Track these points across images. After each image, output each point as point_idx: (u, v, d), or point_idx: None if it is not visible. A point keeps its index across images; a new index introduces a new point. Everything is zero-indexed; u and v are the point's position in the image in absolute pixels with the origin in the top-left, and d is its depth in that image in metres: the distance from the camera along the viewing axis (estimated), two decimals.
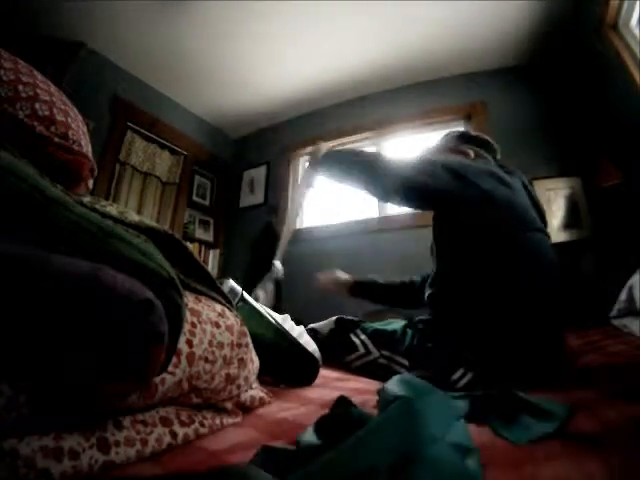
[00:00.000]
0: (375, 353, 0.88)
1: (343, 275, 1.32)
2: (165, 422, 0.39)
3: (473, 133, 1.06)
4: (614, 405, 0.49)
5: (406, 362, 0.83)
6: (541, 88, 2.10)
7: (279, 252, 1.23)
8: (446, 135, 1.09)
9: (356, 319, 1.02)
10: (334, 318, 1.02)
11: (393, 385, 0.44)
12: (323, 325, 1.01)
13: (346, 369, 0.92)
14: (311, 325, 1.04)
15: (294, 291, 2.32)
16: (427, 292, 0.91)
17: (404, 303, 1.24)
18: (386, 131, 2.51)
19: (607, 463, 0.34)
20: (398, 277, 1.27)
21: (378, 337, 0.91)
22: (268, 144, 2.98)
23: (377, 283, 1.27)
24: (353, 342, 0.92)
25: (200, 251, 2.76)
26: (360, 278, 1.29)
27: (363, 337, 0.92)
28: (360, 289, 1.28)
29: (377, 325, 0.98)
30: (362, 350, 0.90)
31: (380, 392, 0.45)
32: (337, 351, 0.94)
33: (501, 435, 0.43)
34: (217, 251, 2.88)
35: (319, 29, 2.06)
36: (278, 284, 1.87)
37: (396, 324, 0.97)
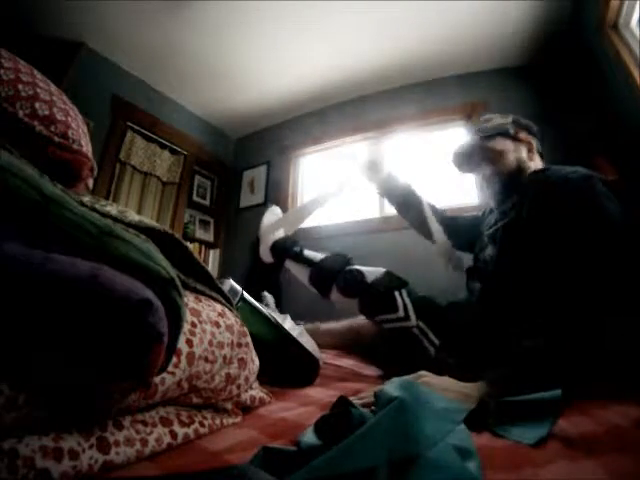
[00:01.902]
0: (413, 321, 0.83)
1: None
2: (165, 422, 0.39)
3: (524, 121, 0.96)
4: (613, 406, 0.49)
5: (437, 341, 0.79)
6: (541, 88, 2.10)
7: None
8: (489, 122, 0.96)
9: (405, 279, 0.95)
10: (384, 269, 0.95)
11: (391, 387, 0.44)
12: (370, 272, 0.94)
13: (378, 325, 0.88)
14: (358, 266, 0.97)
15: (295, 292, 2.31)
16: (474, 284, 0.86)
17: None
18: (386, 131, 2.51)
19: (606, 464, 0.34)
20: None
21: (422, 306, 0.86)
22: (268, 144, 2.98)
23: (410, 189, 1.13)
24: (395, 301, 0.86)
25: (200, 251, 2.76)
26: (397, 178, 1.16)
27: (407, 300, 0.86)
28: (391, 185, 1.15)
29: (424, 295, 0.93)
30: (402, 313, 0.84)
31: (377, 394, 0.45)
32: (375, 304, 0.89)
33: (501, 435, 0.43)
34: (217, 251, 2.88)
35: (318, 29, 2.06)
36: (279, 286, 1.85)
37: (441, 299, 0.93)
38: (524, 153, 0.91)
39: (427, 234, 1.10)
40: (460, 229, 1.10)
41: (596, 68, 1.75)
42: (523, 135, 0.93)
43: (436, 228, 1.06)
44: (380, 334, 0.98)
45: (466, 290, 0.94)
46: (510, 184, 0.90)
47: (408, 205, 1.14)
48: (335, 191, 1.19)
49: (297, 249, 1.11)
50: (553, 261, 0.70)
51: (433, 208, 1.13)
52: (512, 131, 0.92)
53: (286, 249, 1.12)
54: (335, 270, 0.98)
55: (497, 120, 0.96)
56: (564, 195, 0.72)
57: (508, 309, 0.75)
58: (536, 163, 0.92)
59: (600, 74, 1.72)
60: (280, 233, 1.17)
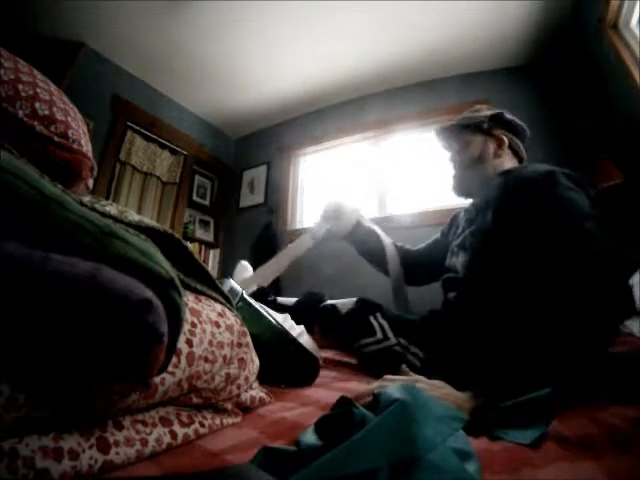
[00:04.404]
0: (392, 340, 0.85)
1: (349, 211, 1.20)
2: (165, 422, 0.39)
3: (508, 116, 0.97)
4: (611, 407, 0.49)
5: (421, 354, 0.81)
6: (542, 88, 2.10)
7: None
8: (475, 111, 1.01)
9: (377, 302, 0.97)
10: (355, 298, 0.98)
11: (393, 389, 0.44)
12: (343, 303, 0.97)
13: (357, 353, 0.90)
14: (331, 301, 1.00)
15: (295, 290, 2.31)
16: (452, 293, 0.88)
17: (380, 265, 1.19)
18: (386, 131, 2.51)
19: (604, 465, 0.34)
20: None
21: (398, 324, 0.88)
22: (268, 144, 2.98)
23: (375, 233, 1.18)
24: (372, 325, 0.88)
25: (200, 251, 2.76)
26: (363, 225, 1.21)
27: (383, 322, 0.88)
28: (357, 233, 1.19)
29: (398, 313, 0.95)
30: (380, 335, 0.86)
31: (377, 395, 0.45)
32: (353, 332, 0.91)
33: (499, 438, 0.43)
34: (217, 251, 2.88)
35: (318, 29, 2.06)
36: (277, 280, 1.85)
37: (415, 315, 0.95)
38: (491, 149, 0.94)
39: (386, 273, 1.17)
40: (423, 264, 1.16)
41: (596, 68, 1.75)
42: (498, 131, 0.95)
43: (393, 269, 1.13)
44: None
45: (443, 300, 0.95)
46: (466, 175, 0.96)
47: (371, 249, 1.20)
48: (308, 243, 1.21)
49: (271, 299, 1.15)
50: (525, 260, 0.71)
51: (397, 249, 1.19)
52: (486, 126, 0.95)
53: (260, 302, 1.15)
54: (311, 311, 1.02)
55: (483, 111, 1.00)
56: (528, 194, 0.74)
57: (485, 312, 0.76)
58: (503, 160, 0.94)
59: (600, 74, 1.72)
60: (253, 286, 1.19)
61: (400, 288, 1.13)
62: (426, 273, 1.15)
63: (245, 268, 1.32)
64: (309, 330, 1.01)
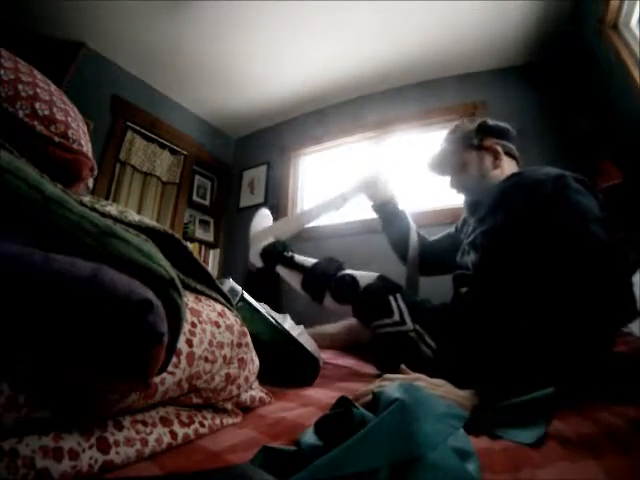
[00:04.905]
0: (409, 325, 0.82)
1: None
2: (165, 422, 0.39)
3: (491, 122, 0.95)
4: (611, 407, 0.49)
5: (434, 345, 0.79)
6: (542, 88, 2.10)
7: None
8: (459, 129, 0.98)
9: (399, 284, 0.95)
10: (377, 274, 0.94)
11: (392, 389, 0.44)
12: (363, 276, 0.94)
13: (371, 332, 0.88)
14: (350, 271, 0.96)
15: (294, 291, 2.30)
16: (463, 289, 0.88)
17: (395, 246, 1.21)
18: (386, 131, 2.51)
19: (604, 465, 0.34)
20: (397, 276, 1.25)
21: (417, 310, 0.85)
22: (268, 144, 2.97)
23: (404, 214, 1.19)
24: (390, 306, 0.86)
25: (200, 251, 2.76)
26: (395, 202, 1.22)
27: (402, 304, 0.86)
28: (388, 207, 1.20)
29: (420, 299, 0.93)
30: (397, 317, 0.84)
31: (377, 395, 0.45)
32: (370, 310, 0.88)
33: (499, 437, 0.43)
34: (217, 251, 2.88)
35: (318, 29, 2.06)
36: (278, 283, 1.83)
37: (433, 303, 0.93)
38: (488, 162, 0.93)
39: (403, 258, 1.17)
40: (437, 255, 1.15)
41: (596, 68, 1.75)
42: (488, 142, 0.93)
43: (412, 256, 1.13)
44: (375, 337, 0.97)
45: (453, 296, 0.95)
46: (472, 193, 0.95)
47: (397, 230, 1.19)
48: (335, 204, 1.19)
49: (288, 255, 1.10)
50: (533, 261, 0.71)
51: (419, 236, 1.18)
52: (476, 141, 0.93)
53: (277, 255, 1.11)
54: (328, 276, 0.98)
55: (465, 126, 0.98)
56: (538, 196, 0.73)
57: (494, 311, 0.75)
58: (503, 169, 0.92)
59: (600, 74, 1.72)
60: (270, 238, 1.15)
61: (414, 276, 1.12)
62: (438, 265, 1.14)
63: (266, 216, 1.28)
64: (320, 298, 0.99)
